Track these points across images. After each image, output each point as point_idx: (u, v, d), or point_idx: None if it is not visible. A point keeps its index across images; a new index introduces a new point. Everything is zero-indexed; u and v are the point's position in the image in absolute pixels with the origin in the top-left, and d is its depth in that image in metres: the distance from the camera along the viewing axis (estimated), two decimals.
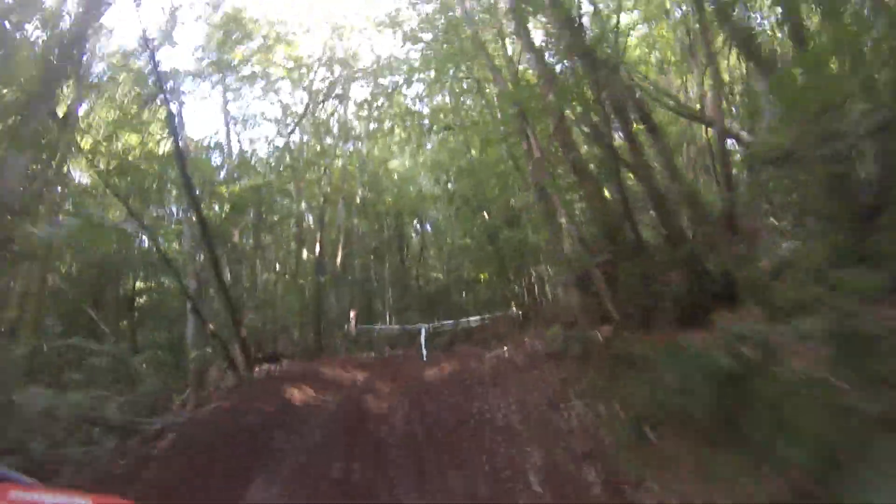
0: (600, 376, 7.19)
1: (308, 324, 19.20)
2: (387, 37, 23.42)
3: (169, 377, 10.85)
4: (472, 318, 20.52)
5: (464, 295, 26.03)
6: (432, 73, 17.23)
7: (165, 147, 16.44)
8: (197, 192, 10.89)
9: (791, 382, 4.21)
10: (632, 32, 14.31)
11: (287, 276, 21.72)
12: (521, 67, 13.53)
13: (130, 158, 16.73)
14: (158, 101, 13.98)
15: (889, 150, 5.34)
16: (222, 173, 15.20)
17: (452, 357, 13.46)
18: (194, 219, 10.66)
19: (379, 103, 20.65)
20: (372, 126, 22.11)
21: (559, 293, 10.53)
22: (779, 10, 8.02)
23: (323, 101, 19.54)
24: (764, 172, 7.41)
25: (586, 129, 8.92)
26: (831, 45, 5.89)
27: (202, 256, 11.97)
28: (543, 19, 10.02)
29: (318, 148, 21.53)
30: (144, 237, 12.63)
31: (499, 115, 12.97)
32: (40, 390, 6.92)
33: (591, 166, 9.06)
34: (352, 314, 18.68)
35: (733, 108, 13.74)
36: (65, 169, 11.49)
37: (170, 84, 12.75)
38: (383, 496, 5.06)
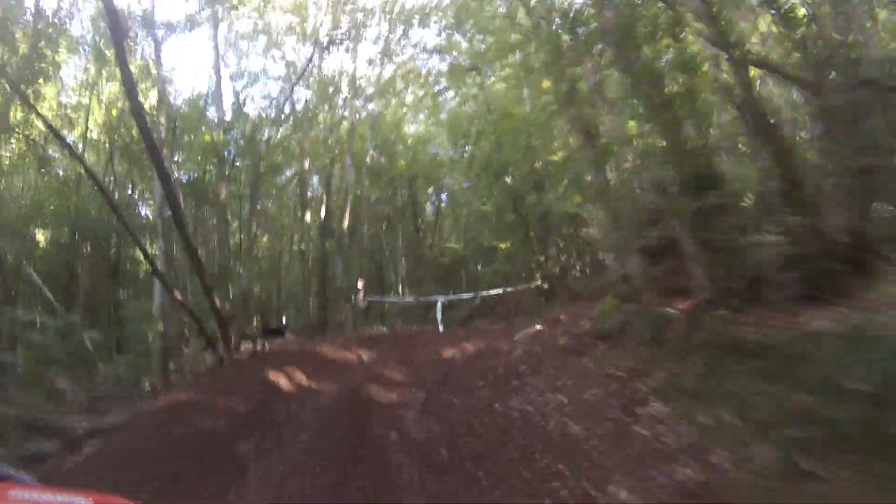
0: (687, 369, 5.27)
1: (313, 295, 17.49)
2: None
3: (142, 358, 9.11)
4: (491, 291, 18.79)
5: (480, 266, 24.33)
6: None
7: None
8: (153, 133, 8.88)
9: None
10: None
11: (292, 244, 20.05)
12: None
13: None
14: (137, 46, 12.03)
15: None
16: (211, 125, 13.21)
17: (474, 334, 11.62)
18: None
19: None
20: (384, 76, 19.95)
21: (607, 261, 8.50)
22: None
23: (328, 48, 17.32)
24: None
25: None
26: None
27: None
28: None
29: (326, 106, 19.53)
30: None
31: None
32: None
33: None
34: (360, 284, 16.86)
35: None
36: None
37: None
38: None
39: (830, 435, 3.37)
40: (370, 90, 20.94)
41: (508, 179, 18.14)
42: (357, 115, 20.99)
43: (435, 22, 16.69)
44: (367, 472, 4.37)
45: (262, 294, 24.38)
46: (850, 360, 3.48)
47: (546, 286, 16.80)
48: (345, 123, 19.76)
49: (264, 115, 15.16)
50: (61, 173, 14.01)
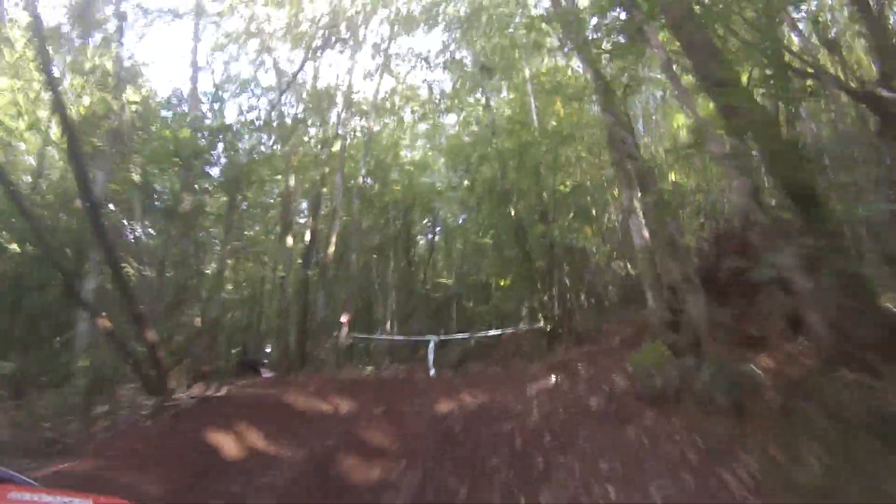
0: (801, 455, 3.68)
1: (292, 326, 15.70)
2: None
3: (64, 398, 7.28)
4: (489, 332, 17.23)
5: (471, 303, 22.76)
6: None
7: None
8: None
9: None
10: None
11: (275, 270, 18.39)
12: None
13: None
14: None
15: None
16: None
17: (473, 381, 9.97)
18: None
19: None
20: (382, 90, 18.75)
21: (649, 298, 6.93)
22: None
23: (323, 48, 15.97)
24: None
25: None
26: None
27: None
28: None
29: (318, 120, 18.20)
30: None
31: None
32: None
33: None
34: (343, 319, 15.16)
35: None
36: None
37: None
38: None
39: None
40: (366, 107, 19.70)
41: (511, 210, 16.84)
42: (352, 133, 19.69)
43: (442, 21, 15.40)
44: None
45: (241, 322, 22.58)
46: None
47: (549, 328, 15.33)
48: (337, 140, 18.38)
49: (247, 120, 13.70)
50: None
